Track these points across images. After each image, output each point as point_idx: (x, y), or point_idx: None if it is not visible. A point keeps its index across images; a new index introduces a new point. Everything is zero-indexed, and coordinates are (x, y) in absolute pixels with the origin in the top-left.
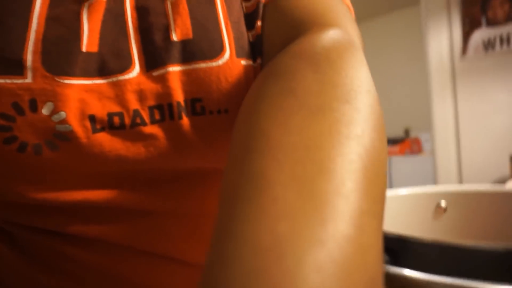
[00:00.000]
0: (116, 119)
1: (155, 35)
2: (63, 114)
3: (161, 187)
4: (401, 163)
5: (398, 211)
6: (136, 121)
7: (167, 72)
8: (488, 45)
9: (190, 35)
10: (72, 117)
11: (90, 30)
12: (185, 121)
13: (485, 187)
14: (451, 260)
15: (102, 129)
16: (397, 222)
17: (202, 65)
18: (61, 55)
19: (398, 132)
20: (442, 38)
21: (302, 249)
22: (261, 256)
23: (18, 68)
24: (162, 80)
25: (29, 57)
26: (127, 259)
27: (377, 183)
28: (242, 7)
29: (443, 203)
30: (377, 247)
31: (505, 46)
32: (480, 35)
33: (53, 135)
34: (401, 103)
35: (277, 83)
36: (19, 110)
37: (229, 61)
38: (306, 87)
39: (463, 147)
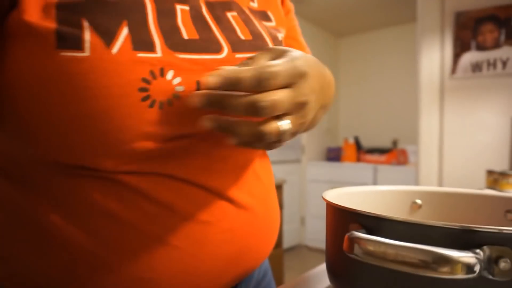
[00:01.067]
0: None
1: (231, 34)
2: (179, 79)
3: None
4: (387, 172)
5: (378, 204)
6: None
7: (245, 57)
8: (476, 67)
9: (251, 37)
10: (184, 81)
11: (184, 24)
12: None
13: (456, 189)
14: (417, 235)
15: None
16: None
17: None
18: (174, 39)
19: (386, 143)
20: (434, 57)
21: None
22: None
23: (151, 46)
24: (241, 60)
25: (156, 40)
26: (188, 194)
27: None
28: (267, 27)
29: (418, 201)
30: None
31: (491, 70)
32: (469, 57)
33: (172, 94)
34: (391, 115)
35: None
36: (154, 76)
37: None
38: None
39: (445, 160)
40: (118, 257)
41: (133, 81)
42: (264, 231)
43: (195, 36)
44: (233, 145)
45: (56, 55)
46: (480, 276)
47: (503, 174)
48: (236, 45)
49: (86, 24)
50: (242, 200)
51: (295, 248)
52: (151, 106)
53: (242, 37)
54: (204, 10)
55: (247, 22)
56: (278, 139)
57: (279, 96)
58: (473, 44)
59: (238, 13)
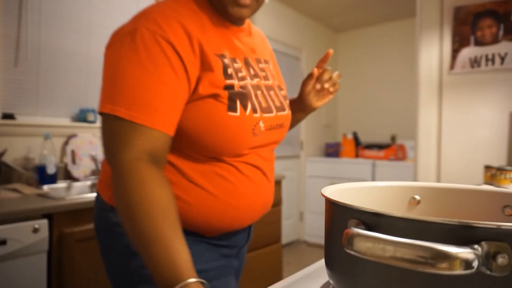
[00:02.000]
0: (275, 124)
1: (274, 103)
2: (263, 124)
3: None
4: (385, 167)
5: (377, 199)
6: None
7: (282, 114)
8: (475, 62)
9: (279, 104)
10: (264, 125)
11: (262, 99)
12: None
13: (454, 185)
14: (415, 231)
15: (271, 128)
16: (375, 208)
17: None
18: (262, 107)
19: (385, 138)
20: (432, 52)
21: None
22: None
23: (257, 112)
24: (281, 116)
25: (257, 108)
26: (255, 172)
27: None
28: (282, 94)
29: (417, 197)
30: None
31: (490, 65)
32: (468, 52)
33: (260, 131)
34: (389, 110)
35: None
36: (256, 123)
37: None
38: None
39: (443, 156)
40: (230, 198)
41: (251, 126)
42: (272, 194)
43: (265, 104)
44: (271, 152)
45: (226, 114)
46: (478, 272)
47: (500, 170)
48: (277, 109)
49: (238, 101)
50: (270, 177)
51: (294, 244)
52: (254, 135)
53: (278, 104)
54: (265, 91)
55: (277, 95)
56: None
57: None
58: (472, 39)
59: (274, 91)
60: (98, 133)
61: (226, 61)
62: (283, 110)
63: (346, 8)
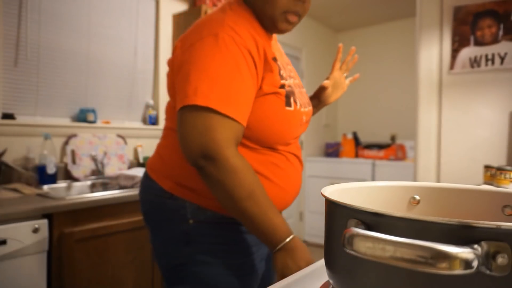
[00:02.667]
0: (308, 118)
1: (305, 99)
2: (304, 116)
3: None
4: (385, 167)
5: (376, 199)
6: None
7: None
8: (474, 62)
9: (307, 100)
10: (305, 117)
11: (298, 97)
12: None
13: (454, 184)
14: (415, 231)
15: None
16: (375, 208)
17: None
18: (302, 103)
19: (385, 138)
20: (432, 52)
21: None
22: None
23: (301, 107)
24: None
25: (298, 104)
26: (294, 159)
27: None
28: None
29: (417, 196)
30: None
31: (490, 65)
32: (467, 52)
33: (301, 123)
34: (389, 110)
35: None
36: (302, 116)
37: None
38: None
39: (443, 155)
40: (283, 183)
41: (300, 119)
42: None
43: (302, 101)
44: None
45: (284, 109)
46: (478, 272)
47: (500, 170)
48: (308, 104)
49: (291, 97)
50: (300, 162)
51: None
52: (300, 127)
53: (307, 100)
54: (298, 88)
55: (304, 93)
56: None
57: None
58: (472, 39)
59: (302, 88)
60: (98, 133)
61: (279, 63)
62: (310, 105)
63: (346, 8)
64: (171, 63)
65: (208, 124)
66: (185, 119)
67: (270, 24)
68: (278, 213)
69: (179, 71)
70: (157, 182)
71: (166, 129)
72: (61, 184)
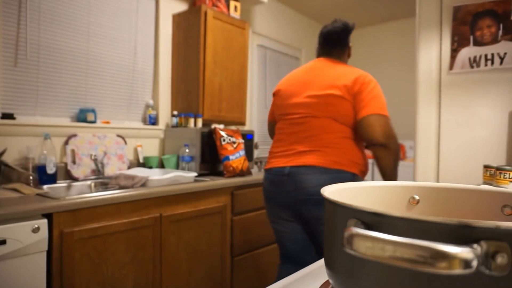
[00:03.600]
0: None
1: None
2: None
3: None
4: None
5: (376, 199)
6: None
7: None
8: (474, 62)
9: None
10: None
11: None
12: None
13: (453, 184)
14: (415, 231)
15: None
16: (374, 208)
17: None
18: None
19: None
20: (432, 52)
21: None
22: None
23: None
24: None
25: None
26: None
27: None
28: None
29: (416, 196)
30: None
31: (489, 65)
32: (467, 52)
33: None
34: (389, 110)
35: None
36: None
37: None
38: None
39: (442, 155)
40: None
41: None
42: None
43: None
44: None
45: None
46: (477, 271)
47: (500, 169)
48: None
49: None
50: None
51: None
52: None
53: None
54: None
55: None
56: None
57: None
58: (471, 39)
59: None
60: (98, 133)
61: None
62: None
63: (346, 8)
64: (347, 89)
65: (389, 126)
66: (381, 121)
67: None
68: None
69: (367, 94)
70: (348, 170)
71: (338, 137)
72: (61, 184)
